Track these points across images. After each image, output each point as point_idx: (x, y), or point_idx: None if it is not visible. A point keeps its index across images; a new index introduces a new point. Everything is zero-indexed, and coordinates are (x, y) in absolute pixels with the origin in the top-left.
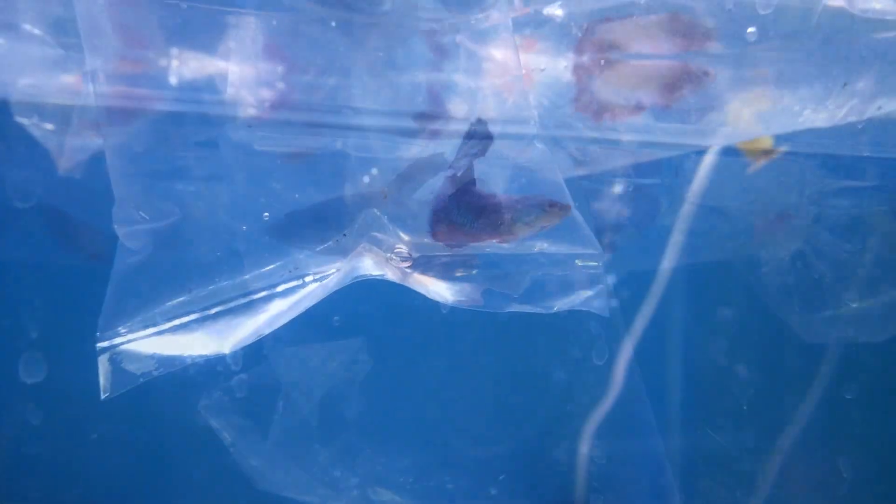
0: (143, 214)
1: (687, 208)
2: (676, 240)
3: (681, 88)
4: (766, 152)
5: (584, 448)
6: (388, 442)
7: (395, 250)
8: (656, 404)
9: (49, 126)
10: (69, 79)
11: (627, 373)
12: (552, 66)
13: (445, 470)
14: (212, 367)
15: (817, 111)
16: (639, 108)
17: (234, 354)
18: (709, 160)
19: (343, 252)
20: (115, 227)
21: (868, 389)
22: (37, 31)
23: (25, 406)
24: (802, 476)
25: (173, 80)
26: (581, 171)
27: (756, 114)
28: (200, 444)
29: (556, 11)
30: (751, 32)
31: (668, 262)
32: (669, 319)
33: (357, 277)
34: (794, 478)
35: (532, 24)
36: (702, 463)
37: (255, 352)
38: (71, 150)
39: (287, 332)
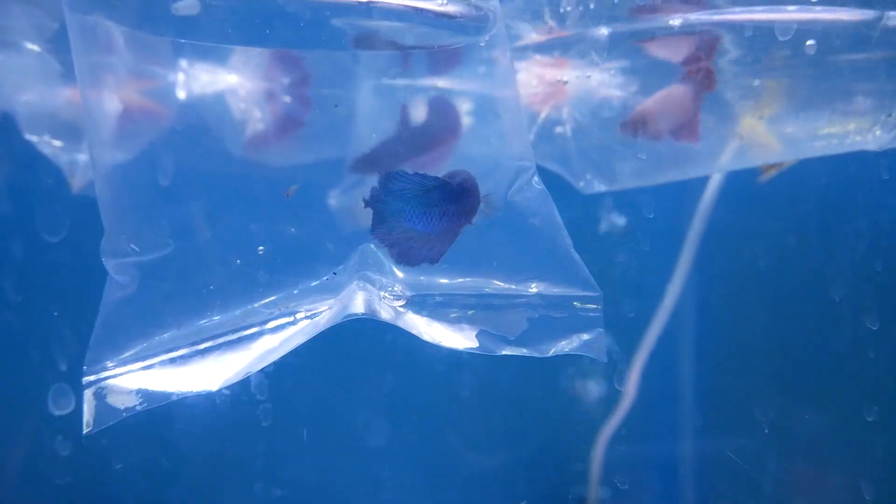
0: (133, 247)
1: (700, 218)
2: (688, 252)
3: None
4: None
5: (598, 455)
6: (413, 468)
7: (389, 289)
8: (670, 411)
9: (58, 143)
10: (72, 92)
11: (641, 381)
12: (581, 81)
13: (462, 485)
14: (236, 397)
15: (864, 136)
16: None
17: (260, 384)
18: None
19: (335, 289)
20: (104, 259)
21: (891, 412)
22: (36, 48)
23: (55, 438)
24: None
25: (181, 94)
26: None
27: (781, 135)
28: (226, 473)
29: (602, 31)
30: (809, 45)
31: (681, 272)
32: (682, 329)
33: (349, 317)
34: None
35: (561, 47)
36: (715, 471)
37: (279, 382)
38: (83, 167)
39: (309, 361)
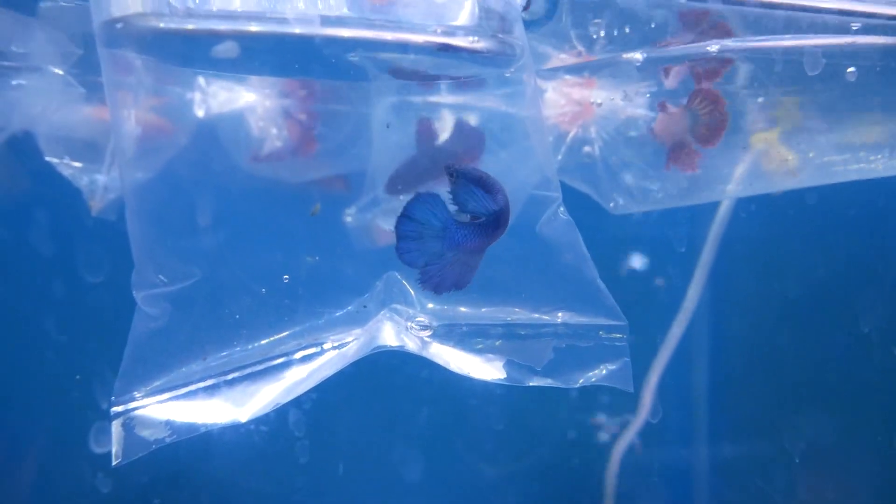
0: (162, 278)
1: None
2: (704, 265)
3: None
4: (791, 171)
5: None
6: (448, 502)
7: (416, 319)
8: (685, 420)
9: (77, 164)
10: (93, 111)
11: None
12: (609, 101)
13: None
14: (275, 434)
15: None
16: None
17: (298, 421)
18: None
19: (362, 319)
20: (134, 292)
21: None
22: (60, 72)
23: (96, 475)
24: None
25: (199, 112)
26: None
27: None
28: None
29: (635, 56)
30: (850, 72)
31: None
32: (697, 337)
33: (377, 348)
34: None
35: (589, 69)
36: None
37: (317, 418)
38: (102, 188)
39: (347, 397)
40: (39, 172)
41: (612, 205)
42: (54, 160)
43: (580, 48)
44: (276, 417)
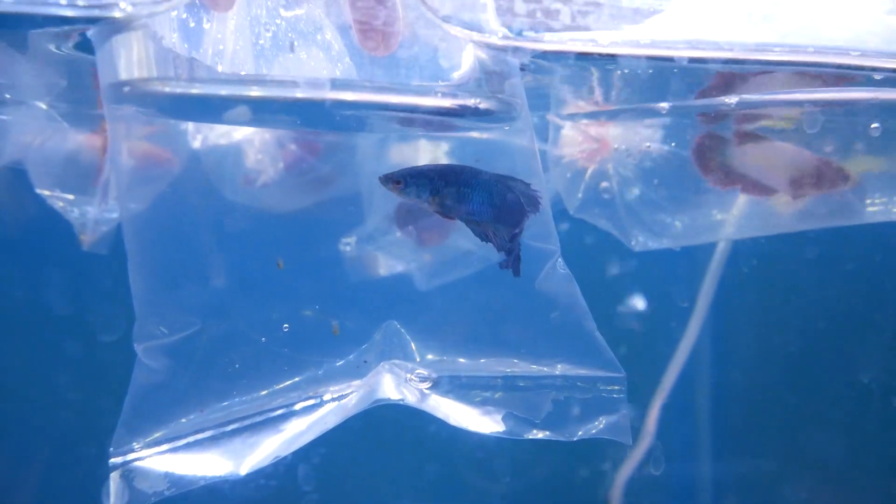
0: (163, 329)
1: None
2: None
3: (810, 187)
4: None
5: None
6: None
7: (416, 371)
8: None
9: (69, 196)
10: (82, 142)
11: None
12: (624, 138)
13: None
14: (283, 489)
15: None
16: (772, 190)
17: (307, 475)
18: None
19: (362, 371)
20: (135, 344)
21: None
22: (43, 106)
23: None
24: None
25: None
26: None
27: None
28: None
29: (662, 105)
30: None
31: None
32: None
33: (377, 401)
34: None
35: (607, 115)
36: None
37: (325, 473)
38: (93, 222)
39: (354, 452)
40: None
41: (633, 242)
42: (45, 192)
43: (598, 97)
44: (286, 472)
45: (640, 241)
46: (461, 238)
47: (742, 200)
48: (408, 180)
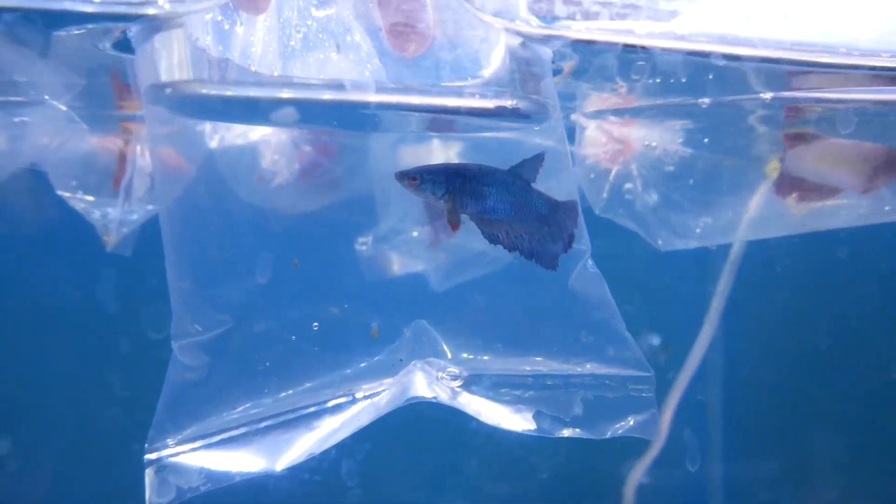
0: (198, 327)
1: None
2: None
3: (886, 176)
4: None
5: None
6: None
7: (448, 370)
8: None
9: (89, 198)
10: (101, 143)
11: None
12: (647, 138)
13: None
14: (327, 484)
15: None
16: (834, 190)
17: (350, 471)
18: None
19: (393, 369)
20: (173, 342)
21: None
22: (62, 107)
23: None
24: None
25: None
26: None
27: None
28: None
29: (704, 100)
30: None
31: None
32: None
33: (409, 399)
34: None
35: (631, 112)
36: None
37: (368, 468)
38: (116, 223)
39: (397, 448)
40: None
41: (659, 242)
42: (66, 194)
43: (623, 91)
44: (329, 467)
45: (666, 241)
46: (474, 239)
47: (758, 201)
48: (424, 176)
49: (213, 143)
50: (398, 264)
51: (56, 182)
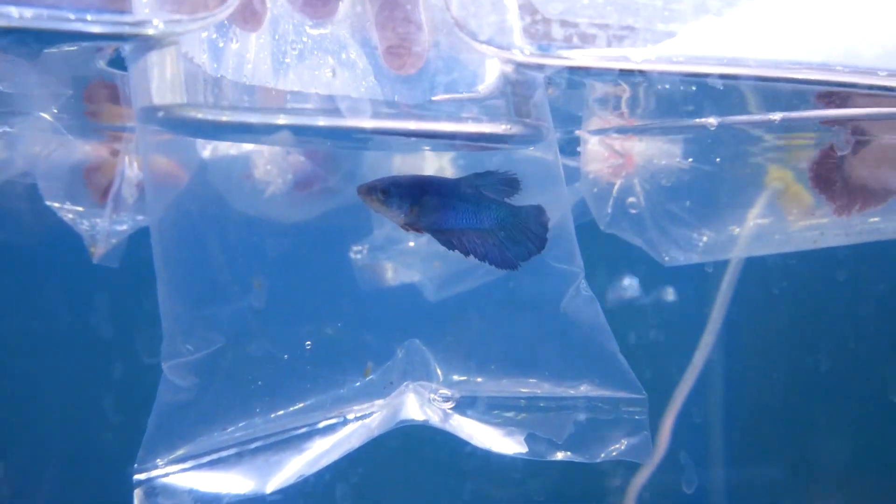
0: (189, 347)
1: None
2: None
3: None
4: (808, 210)
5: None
6: None
7: (439, 392)
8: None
9: (78, 208)
10: (88, 150)
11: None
12: (647, 152)
13: None
14: None
15: None
16: (889, 193)
17: (344, 494)
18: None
19: (384, 390)
20: (163, 362)
21: None
22: (48, 117)
23: None
24: None
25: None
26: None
27: None
28: None
29: (709, 120)
30: None
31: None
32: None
33: (401, 422)
34: None
35: (633, 130)
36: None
37: (363, 491)
38: (103, 234)
39: (392, 471)
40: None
41: (666, 258)
42: (55, 205)
43: (625, 111)
44: (324, 490)
45: (671, 256)
46: None
47: (756, 217)
48: (391, 190)
49: (206, 153)
50: (393, 273)
51: (45, 192)
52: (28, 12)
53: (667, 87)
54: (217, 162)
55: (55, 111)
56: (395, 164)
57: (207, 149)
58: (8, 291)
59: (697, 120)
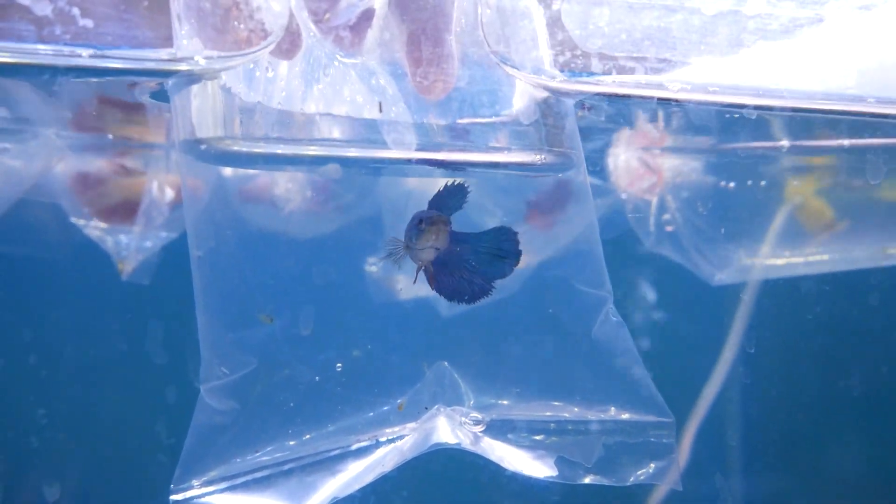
0: (224, 370)
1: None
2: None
3: None
4: (829, 225)
5: None
6: None
7: (470, 415)
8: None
9: (103, 225)
10: (106, 166)
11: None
12: (677, 168)
13: None
14: None
15: None
16: None
17: None
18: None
19: (416, 413)
20: (201, 385)
21: None
22: (53, 136)
23: None
24: None
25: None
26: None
27: None
28: None
29: (783, 143)
30: None
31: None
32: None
33: (433, 446)
34: None
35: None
36: None
37: None
38: (131, 250)
39: (423, 494)
40: None
41: (706, 275)
42: (80, 222)
43: (661, 126)
44: None
45: (709, 272)
46: None
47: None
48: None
49: (227, 172)
50: (405, 286)
51: (70, 209)
52: (84, 52)
53: (699, 117)
54: (238, 181)
55: (57, 132)
56: (411, 183)
57: (228, 169)
58: (47, 309)
59: (729, 144)
